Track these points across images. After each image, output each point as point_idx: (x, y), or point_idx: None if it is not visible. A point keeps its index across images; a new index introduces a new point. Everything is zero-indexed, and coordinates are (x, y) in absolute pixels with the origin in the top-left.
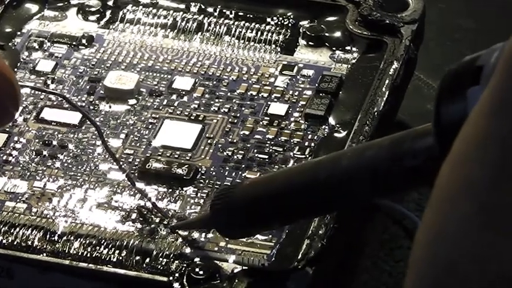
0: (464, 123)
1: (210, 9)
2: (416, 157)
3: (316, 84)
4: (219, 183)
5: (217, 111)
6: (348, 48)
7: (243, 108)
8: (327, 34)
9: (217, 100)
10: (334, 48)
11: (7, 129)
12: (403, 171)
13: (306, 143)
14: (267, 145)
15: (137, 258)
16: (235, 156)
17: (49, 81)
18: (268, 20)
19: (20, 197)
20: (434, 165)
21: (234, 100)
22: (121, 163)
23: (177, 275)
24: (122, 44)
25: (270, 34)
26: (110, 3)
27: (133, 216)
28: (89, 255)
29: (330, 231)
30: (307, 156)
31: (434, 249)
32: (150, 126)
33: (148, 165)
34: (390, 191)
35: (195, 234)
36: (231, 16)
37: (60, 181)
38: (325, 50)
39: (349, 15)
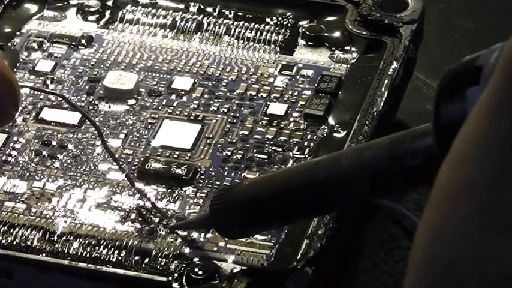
0: (464, 123)
1: (210, 9)
2: (415, 157)
3: (316, 84)
4: (218, 183)
5: (217, 111)
6: (347, 48)
7: (242, 108)
8: (326, 34)
9: (216, 100)
10: (333, 48)
11: (6, 129)
12: (402, 171)
13: (305, 143)
14: (266, 145)
15: (136, 258)
16: (234, 156)
17: (48, 82)
18: (268, 20)
19: (19, 197)
20: (433, 165)
21: (233, 100)
22: (120, 163)
23: (176, 275)
24: (121, 44)
25: (269, 34)
26: (109, 3)
27: (133, 216)
28: (88, 255)
29: (329, 231)
30: (307, 156)
31: (434, 249)
32: (149, 126)
33: (148, 165)
34: (390, 191)
35: (195, 234)
36: (230, 16)
37: (60, 181)
38: (325, 50)
39: (348, 15)
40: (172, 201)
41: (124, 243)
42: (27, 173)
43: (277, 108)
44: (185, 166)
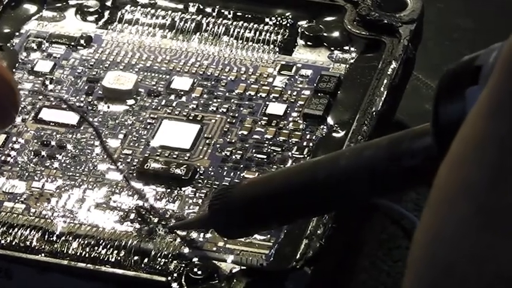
0: (463, 123)
1: (209, 10)
2: (414, 157)
3: (315, 84)
4: (217, 183)
5: (216, 111)
6: (346, 48)
7: (242, 108)
8: (325, 34)
9: (215, 100)
10: (332, 48)
11: (6, 130)
12: (401, 171)
13: (305, 143)
14: (266, 145)
15: (135, 258)
16: (233, 156)
17: (47, 82)
18: (267, 20)
19: (18, 198)
20: (432, 165)
21: (232, 100)
22: (118, 164)
23: (175, 275)
24: (120, 44)
25: (268, 34)
26: (108, 3)
27: (132, 216)
28: (87, 255)
29: (328, 231)
30: (306, 156)
31: (433, 249)
32: (148, 127)
33: (147, 166)
34: (388, 191)
35: (194, 234)
36: (229, 16)
37: (59, 181)
38: (324, 50)
39: (347, 15)
40: (171, 201)
41: (123, 243)
42: (26, 173)
43: (276, 108)
44: (184, 166)
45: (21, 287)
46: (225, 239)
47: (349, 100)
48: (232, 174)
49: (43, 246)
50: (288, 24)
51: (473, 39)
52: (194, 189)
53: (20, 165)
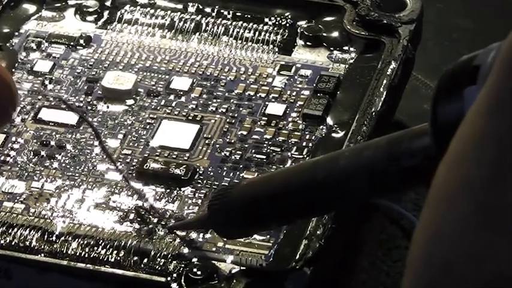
0: (461, 123)
1: (208, 10)
2: (413, 157)
3: (314, 84)
4: (216, 183)
5: (215, 111)
6: (346, 48)
7: (241, 109)
8: (324, 34)
9: (215, 100)
10: (332, 48)
11: (5, 130)
12: (400, 171)
13: (304, 143)
14: (265, 145)
15: (135, 258)
16: (233, 157)
17: (47, 82)
18: (266, 20)
19: (17, 198)
20: (431, 165)
21: (231, 100)
22: (118, 164)
23: (175, 275)
24: (119, 44)
25: (267, 34)
26: (108, 3)
27: (131, 216)
28: (87, 255)
29: (327, 231)
30: (305, 156)
31: (431, 249)
32: (148, 127)
33: (146, 166)
34: (388, 191)
35: (193, 235)
36: (228, 16)
37: (58, 181)
38: (323, 50)
39: (346, 15)
40: (170, 202)
41: (123, 244)
42: (26, 173)
43: (275, 109)
44: (184, 166)
45: (20, 287)
46: (225, 239)
47: (348, 100)
48: (231, 174)
49: (42, 246)
50: (288, 25)
51: (473, 39)
52: (193, 190)
53: (19, 165)
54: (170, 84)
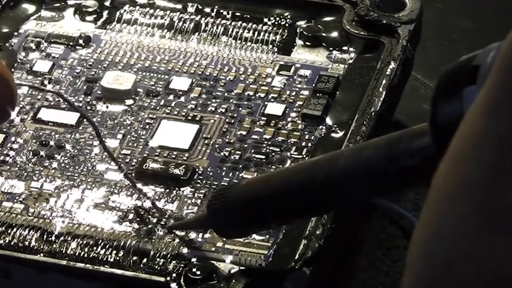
0: (461, 122)
1: (207, 10)
2: (412, 157)
3: (313, 85)
4: (216, 183)
5: (214, 111)
6: (345, 48)
7: (240, 109)
8: (324, 34)
9: (214, 100)
10: (331, 49)
11: (4, 130)
12: (399, 171)
13: (303, 143)
14: (264, 145)
15: (134, 258)
16: (232, 157)
17: (46, 82)
18: (265, 20)
19: (17, 198)
20: (430, 165)
21: (231, 100)
22: (119, 163)
23: (174, 275)
24: (119, 44)
25: (267, 34)
26: (107, 3)
27: (131, 216)
28: (86, 255)
29: (327, 231)
30: (304, 156)
31: (431, 249)
32: (147, 127)
33: (146, 166)
34: (387, 191)
35: (192, 235)
36: (228, 16)
37: (57, 181)
38: (322, 50)
39: (346, 15)
40: (170, 202)
41: (122, 244)
42: (25, 173)
43: (275, 109)
44: (183, 166)
45: (20, 287)
46: (224, 239)
47: (347, 100)
48: (231, 174)
49: (42, 246)
50: (287, 25)
51: (472, 39)
52: (193, 190)
53: (18, 165)
54: (169, 84)
